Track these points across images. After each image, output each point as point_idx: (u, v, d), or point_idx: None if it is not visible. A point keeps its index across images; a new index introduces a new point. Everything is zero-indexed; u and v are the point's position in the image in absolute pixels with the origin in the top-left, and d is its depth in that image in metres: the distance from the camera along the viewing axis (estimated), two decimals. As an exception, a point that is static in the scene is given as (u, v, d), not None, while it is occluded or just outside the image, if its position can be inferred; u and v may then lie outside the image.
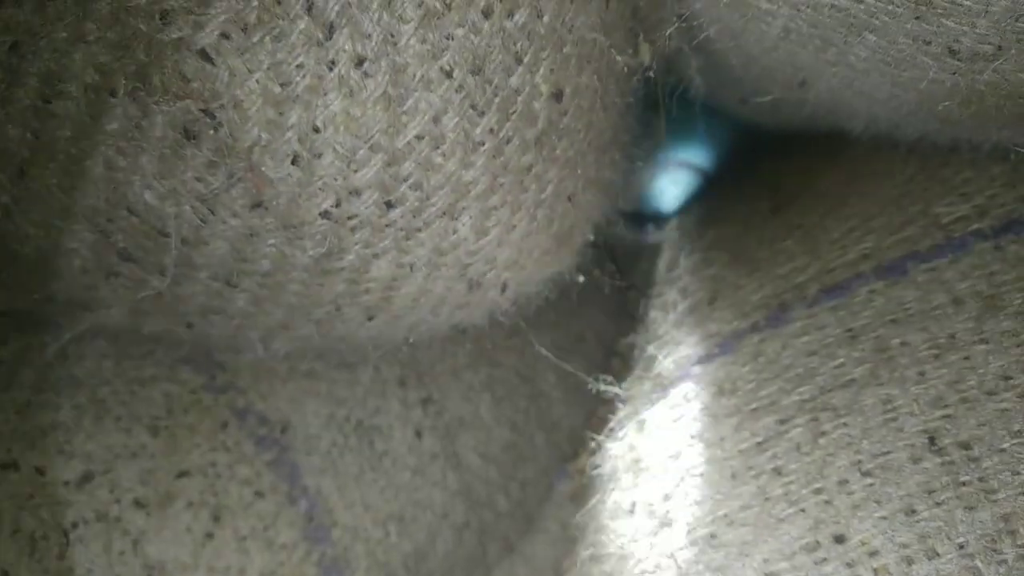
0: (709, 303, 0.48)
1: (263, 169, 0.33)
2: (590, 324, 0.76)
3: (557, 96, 0.36)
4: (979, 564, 0.30)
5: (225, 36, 0.31)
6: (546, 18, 0.34)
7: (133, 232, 0.36)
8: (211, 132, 0.32)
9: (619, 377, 0.59)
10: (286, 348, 0.44)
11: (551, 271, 0.48)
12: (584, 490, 0.50)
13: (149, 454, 0.44)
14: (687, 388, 0.43)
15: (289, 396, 0.49)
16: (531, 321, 0.69)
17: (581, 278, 0.57)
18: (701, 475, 0.37)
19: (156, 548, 0.42)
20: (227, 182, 0.34)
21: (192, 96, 0.32)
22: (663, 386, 0.45)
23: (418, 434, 0.54)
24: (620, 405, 0.49)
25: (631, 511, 0.40)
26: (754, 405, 0.38)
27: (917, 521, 0.31)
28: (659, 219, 0.83)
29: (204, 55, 0.31)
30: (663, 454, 0.41)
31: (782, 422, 0.37)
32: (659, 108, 0.46)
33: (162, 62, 0.32)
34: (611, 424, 0.49)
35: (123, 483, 0.43)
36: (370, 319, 0.42)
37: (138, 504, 0.42)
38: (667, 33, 0.39)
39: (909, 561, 0.31)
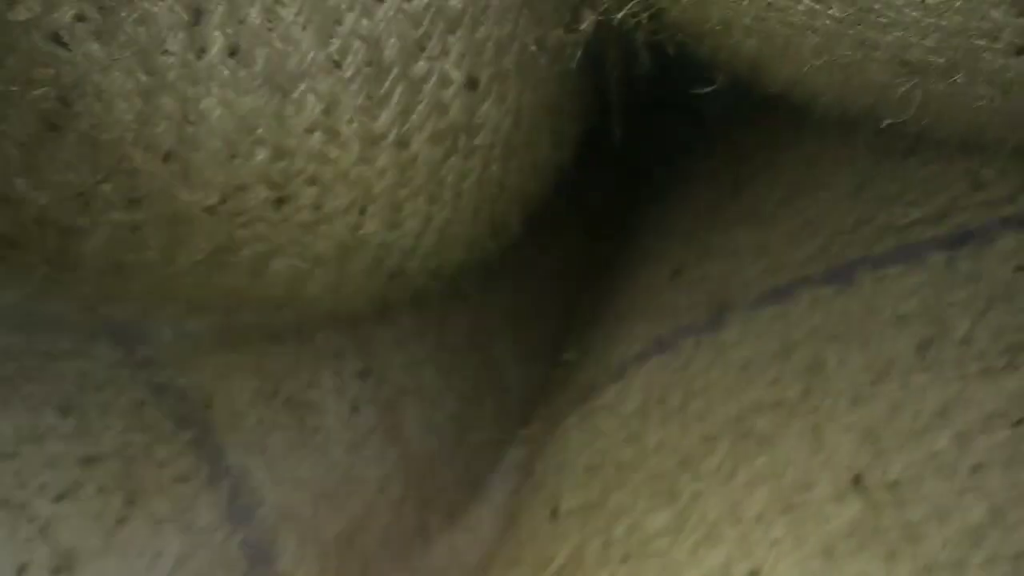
0: (654, 293, 0.46)
1: (135, 164, 0.30)
2: (553, 279, 0.73)
3: (471, 84, 0.33)
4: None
5: (80, 18, 0.28)
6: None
7: (10, 220, 0.33)
8: (73, 123, 0.29)
9: (577, 345, 0.57)
10: (199, 329, 0.42)
11: (484, 251, 0.45)
12: (533, 459, 0.48)
13: (58, 436, 0.42)
14: (619, 388, 0.41)
15: (213, 370, 0.47)
16: (485, 287, 0.66)
17: (537, 249, 0.54)
18: (622, 489, 0.36)
19: (65, 535, 0.41)
20: (98, 176, 0.31)
21: (48, 83, 0.28)
22: (599, 383, 0.43)
23: (354, 408, 0.52)
24: (558, 385, 0.47)
25: (552, 516, 0.38)
26: (680, 419, 0.36)
27: (836, 566, 0.29)
28: (642, 157, 0.79)
29: (57, 39, 0.28)
30: (587, 463, 0.39)
31: (706, 440, 0.34)
32: (608, 86, 0.42)
33: (13, 46, 0.28)
34: (548, 410, 0.47)
35: (30, 468, 0.41)
36: (280, 308, 0.39)
37: (45, 489, 0.41)
38: (604, 6, 0.35)
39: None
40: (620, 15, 0.37)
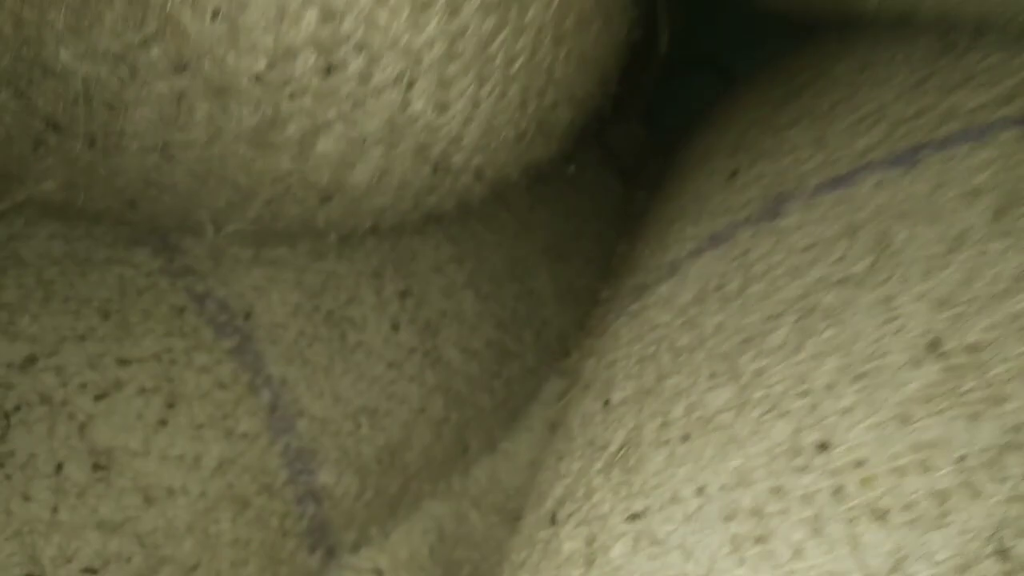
0: (704, 196, 0.44)
1: (182, 24, 0.29)
2: (590, 223, 0.72)
3: (526, -56, 0.32)
4: (980, 479, 0.27)
5: None
6: None
7: (53, 96, 0.33)
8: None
9: (617, 274, 0.56)
10: (238, 229, 0.41)
11: (532, 156, 0.44)
12: (568, 389, 0.47)
13: (99, 337, 0.42)
14: (673, 284, 0.39)
15: (253, 283, 0.47)
16: (524, 217, 0.65)
17: (572, 168, 0.53)
18: (679, 373, 0.34)
19: (104, 433, 0.40)
20: (144, 38, 0.30)
21: (95, -67, 0.28)
22: (648, 282, 0.41)
23: (395, 327, 0.51)
24: (606, 305, 0.46)
25: (604, 410, 0.37)
26: (739, 302, 0.35)
27: (912, 431, 0.28)
28: (671, 119, 0.78)
29: None
30: (641, 351, 0.37)
31: (768, 320, 0.33)
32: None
33: None
34: (594, 321, 0.46)
35: (70, 367, 0.40)
36: (326, 200, 0.39)
37: (85, 388, 0.40)
38: None
39: (901, 473, 0.28)
40: None
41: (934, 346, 0.29)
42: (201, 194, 0.37)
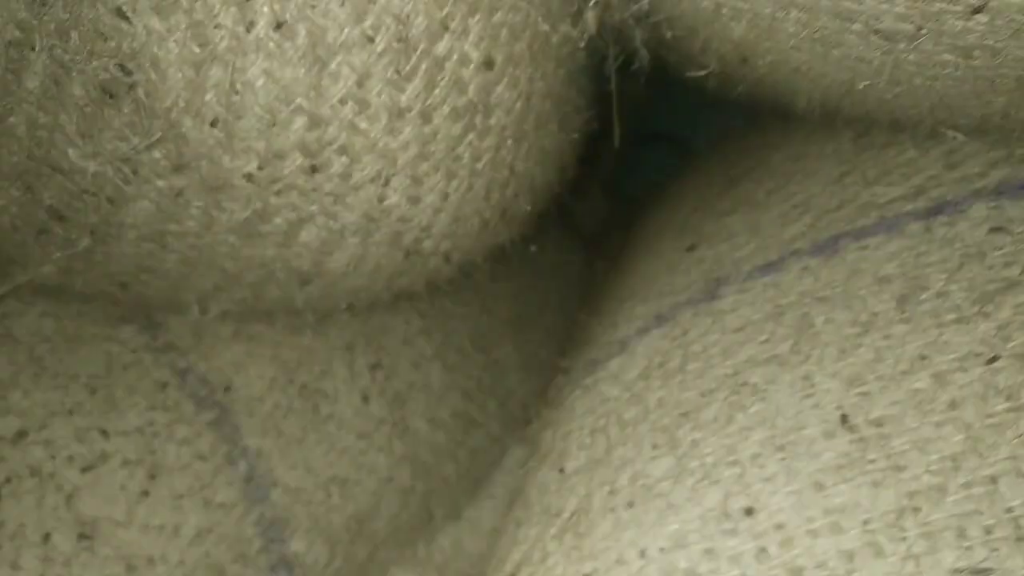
0: (652, 276, 0.49)
1: (183, 130, 0.33)
2: (553, 295, 0.76)
3: (488, 64, 0.36)
4: (881, 540, 0.30)
5: (143, -6, 0.31)
6: (475, -17, 0.34)
7: (59, 190, 0.36)
8: (130, 91, 0.32)
9: (576, 344, 0.59)
10: (223, 309, 0.44)
11: (496, 240, 0.48)
12: (540, 432, 0.50)
13: (86, 412, 0.44)
14: (622, 360, 0.43)
15: (232, 358, 0.49)
16: (490, 290, 0.69)
17: (534, 248, 0.57)
18: (625, 445, 0.38)
19: (89, 504, 0.42)
20: (148, 142, 0.33)
21: (109, 54, 0.31)
22: (600, 359, 0.45)
23: (365, 399, 0.54)
24: (563, 377, 0.49)
25: (560, 479, 0.41)
26: (680, 379, 0.39)
27: (825, 496, 0.32)
28: (630, 191, 0.83)
29: (120, 13, 0.31)
30: (593, 424, 0.41)
31: (704, 395, 0.37)
32: (610, 79, 0.46)
33: (80, 20, 0.31)
34: (552, 394, 0.49)
35: (58, 440, 0.43)
36: (305, 284, 0.42)
37: (72, 461, 0.43)
38: (604, 1, 0.38)
39: (814, 535, 0.31)
40: (615, 14, 0.40)
41: (845, 420, 0.33)
42: (190, 278, 0.41)
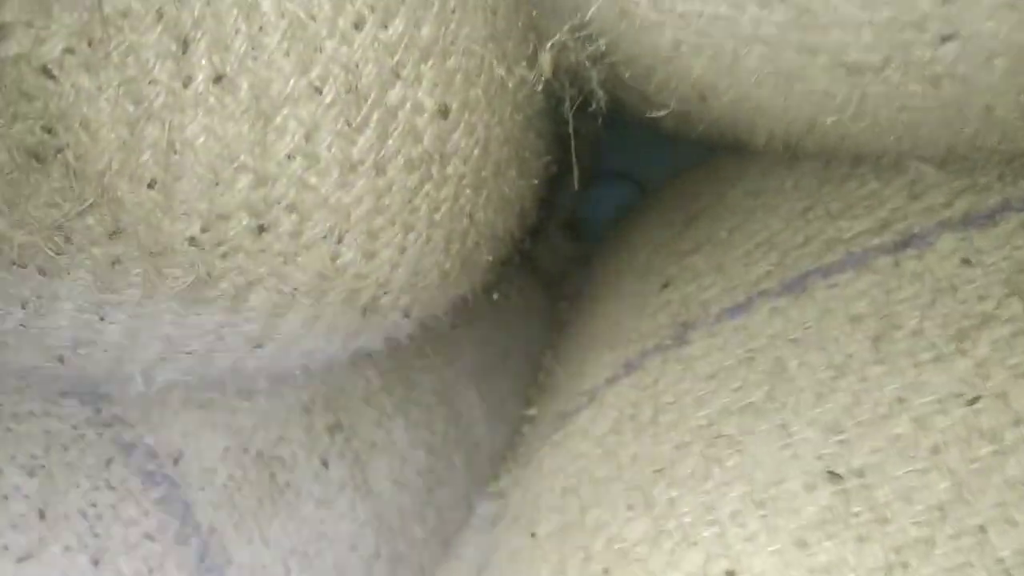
0: (619, 323, 0.47)
1: (118, 194, 0.31)
2: (517, 340, 0.75)
3: (443, 112, 0.35)
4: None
5: (69, 51, 0.29)
6: (425, 29, 0.33)
7: (-14, 262, 0.34)
8: (58, 155, 0.30)
9: (543, 392, 0.58)
10: (168, 380, 0.42)
11: (456, 292, 0.47)
12: (509, 490, 0.48)
13: (23, 496, 0.41)
14: (592, 412, 0.42)
15: (182, 428, 0.47)
16: (452, 339, 0.67)
17: (495, 296, 0.56)
18: (599, 506, 0.36)
19: (27, 598, 0.39)
20: (80, 208, 0.31)
21: (35, 116, 0.29)
22: (569, 411, 0.44)
23: (324, 463, 0.51)
24: (530, 429, 0.48)
25: (532, 544, 0.38)
26: (652, 431, 0.37)
27: (809, 555, 0.30)
28: (588, 230, 0.83)
29: (46, 72, 0.29)
30: (564, 483, 0.39)
31: (678, 449, 0.35)
32: (568, 121, 0.45)
33: (1, 79, 0.29)
34: (521, 449, 0.47)
35: (-9, 529, 0.40)
36: (257, 347, 0.40)
37: (7, 550, 0.39)
38: (560, 42, 0.38)
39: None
40: (571, 56, 0.40)
41: (824, 470, 0.31)
42: (133, 349, 0.38)
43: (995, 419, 0.30)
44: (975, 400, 0.31)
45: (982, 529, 0.29)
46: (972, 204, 0.38)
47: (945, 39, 0.27)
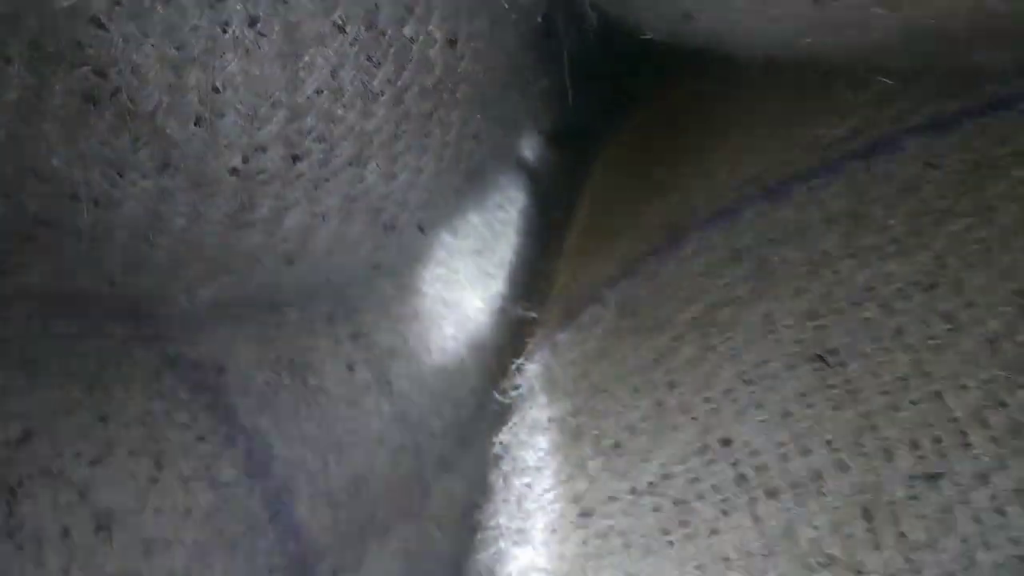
0: (615, 229, 0.51)
1: (167, 131, 0.34)
2: (515, 249, 0.79)
3: (452, 43, 0.38)
4: (844, 457, 0.34)
5: (117, 3, 0.32)
6: (435, -33, 0.35)
7: (45, 198, 0.37)
8: (111, 97, 0.33)
9: (542, 299, 0.62)
10: (211, 297, 0.46)
11: (466, 206, 0.50)
12: (509, 409, 0.53)
13: (86, 408, 0.45)
14: (594, 311, 0.46)
15: (220, 341, 0.51)
16: (455, 248, 0.71)
17: (501, 207, 0.60)
18: (606, 391, 0.41)
19: (103, 496, 0.44)
20: (133, 145, 0.34)
21: (88, 62, 0.32)
22: (573, 310, 0.48)
23: (350, 368, 0.56)
24: (537, 329, 0.52)
25: (546, 427, 0.44)
26: (651, 324, 0.42)
27: (792, 422, 0.35)
28: (581, 142, 0.85)
29: (97, 22, 0.32)
30: (573, 373, 0.44)
31: (675, 339, 0.40)
32: (561, 43, 0.47)
33: (56, 30, 0.32)
34: (530, 347, 0.52)
35: (63, 438, 0.44)
36: (290, 264, 0.44)
37: (79, 457, 0.44)
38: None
39: (785, 458, 0.35)
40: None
41: (804, 352, 0.36)
42: (178, 271, 0.42)
43: (950, 302, 0.35)
44: (933, 287, 0.36)
45: (938, 395, 0.34)
46: (934, 111, 0.41)
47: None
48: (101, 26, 0.32)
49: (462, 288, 0.69)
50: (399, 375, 0.59)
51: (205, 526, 0.47)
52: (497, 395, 0.65)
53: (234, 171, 0.36)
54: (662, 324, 0.41)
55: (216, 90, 0.33)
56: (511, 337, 0.69)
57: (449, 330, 0.66)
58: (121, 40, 0.32)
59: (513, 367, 0.53)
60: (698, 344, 0.39)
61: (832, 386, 0.35)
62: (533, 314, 0.59)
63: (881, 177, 0.41)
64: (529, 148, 0.60)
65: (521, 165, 0.66)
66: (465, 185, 0.47)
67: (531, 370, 0.49)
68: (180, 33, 0.32)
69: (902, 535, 0.32)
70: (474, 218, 0.60)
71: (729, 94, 0.54)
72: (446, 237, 0.65)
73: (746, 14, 0.37)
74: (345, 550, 0.54)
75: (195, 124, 0.34)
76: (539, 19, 0.44)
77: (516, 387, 0.50)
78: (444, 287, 0.67)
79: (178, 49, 0.32)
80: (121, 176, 0.36)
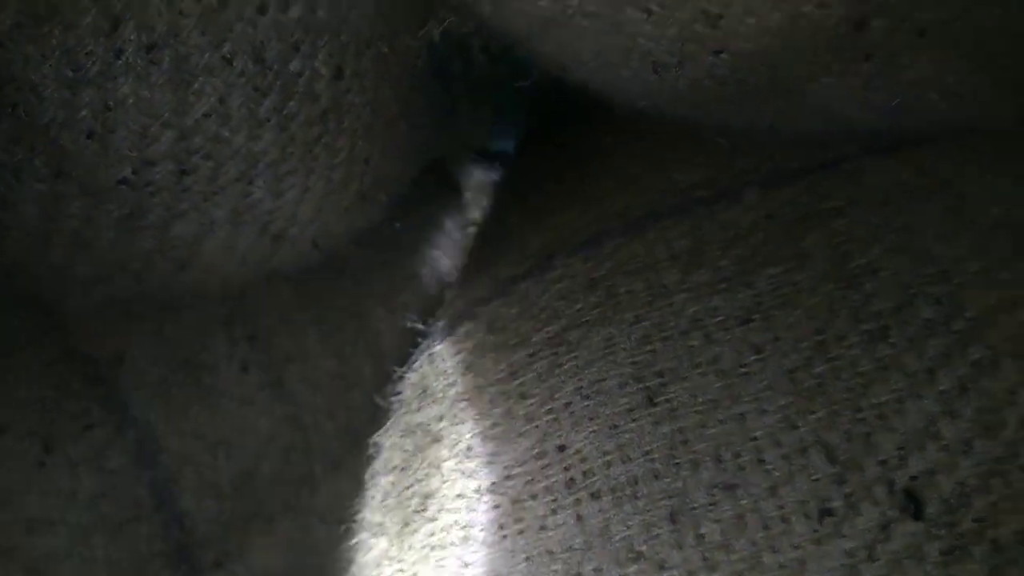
0: (499, 249, 0.56)
1: (61, 142, 0.37)
2: (424, 261, 0.83)
3: (337, 77, 0.41)
4: (659, 467, 0.38)
5: (18, 26, 0.35)
6: (320, 12, 0.39)
7: (-56, 195, 0.40)
8: (10, 111, 0.36)
9: (438, 308, 0.66)
10: (107, 294, 0.49)
11: (357, 225, 0.54)
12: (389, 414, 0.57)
13: (-18, 391, 0.48)
14: (469, 327, 0.50)
15: (116, 337, 0.54)
16: (362, 262, 0.75)
17: (397, 226, 0.64)
18: (467, 400, 0.45)
19: (-10, 475, 0.46)
20: (28, 153, 0.37)
21: (-11, 78, 0.35)
22: (452, 324, 0.52)
23: (244, 368, 0.59)
24: (421, 340, 0.56)
25: (414, 431, 0.47)
26: (514, 341, 0.46)
27: (618, 434, 0.40)
28: (486, 165, 0.90)
29: (-2, 42, 0.35)
30: (443, 383, 0.48)
31: (530, 356, 0.44)
32: (452, 80, 0.52)
33: (-42, 46, 0.35)
34: (412, 356, 0.56)
35: (-45, 418, 0.47)
36: (181, 269, 0.47)
37: (-27, 435, 0.47)
38: (443, 16, 0.44)
39: (608, 465, 0.39)
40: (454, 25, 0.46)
41: (636, 374, 0.41)
42: (72, 268, 0.45)
43: (761, 336, 0.40)
44: (749, 321, 0.41)
45: (742, 416, 0.39)
46: (773, 168, 0.47)
47: (717, 52, 0.35)
48: (3, 46, 0.35)
49: (366, 298, 0.73)
50: (294, 378, 0.62)
51: (90, 510, 0.50)
52: (380, 401, 0.69)
53: (124, 181, 0.39)
54: (521, 342, 0.45)
55: (108, 108, 0.37)
56: (407, 347, 0.73)
57: (350, 337, 0.69)
58: (22, 59, 0.35)
59: (396, 375, 0.57)
60: (549, 361, 0.43)
61: (655, 404, 0.40)
62: (420, 325, 0.63)
63: (721, 222, 0.46)
64: (439, 167, 0.64)
65: (431, 182, 0.70)
66: (359, 204, 0.51)
67: (410, 378, 0.53)
68: (76, 56, 0.35)
69: (701, 536, 0.36)
70: (382, 231, 0.63)
71: (608, 133, 0.59)
72: (352, 248, 0.68)
73: (603, 76, 0.42)
74: (229, 540, 0.57)
75: (87, 137, 0.37)
76: (428, 61, 0.48)
77: (397, 393, 0.54)
78: (347, 296, 0.71)
79: (74, 71, 0.36)
80: (18, 180, 0.38)
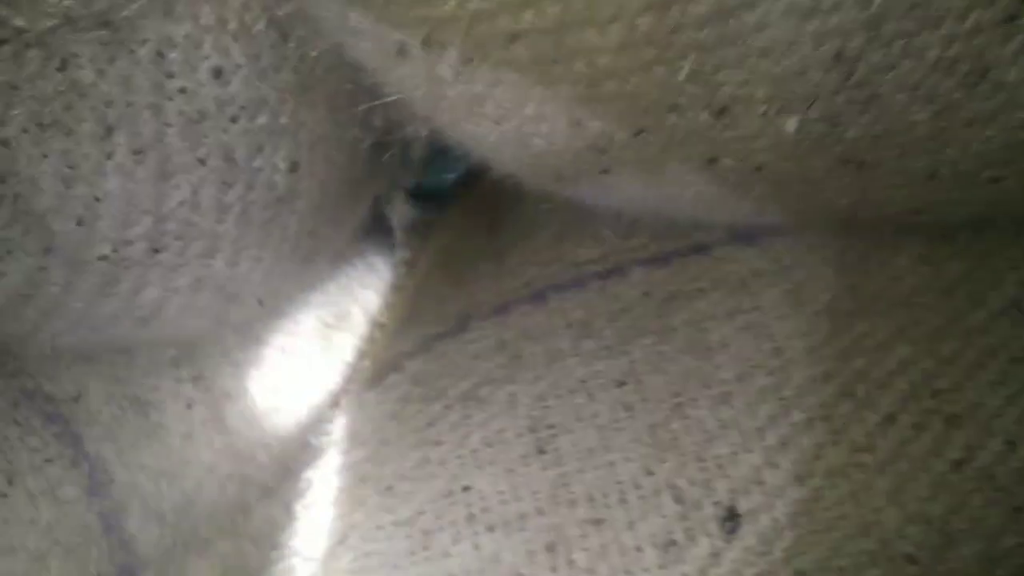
0: (422, 304, 0.64)
1: (52, 226, 0.44)
2: (358, 300, 0.90)
3: (293, 169, 0.49)
4: (543, 505, 0.47)
5: (24, 131, 0.41)
6: (283, 119, 0.47)
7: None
8: (11, 198, 0.43)
9: (363, 360, 0.74)
10: (72, 344, 0.55)
11: (307, 283, 0.62)
12: (320, 451, 0.64)
13: (-51, 429, 0.53)
14: (395, 378, 0.58)
15: (73, 378, 0.60)
16: (299, 302, 0.82)
17: (350, 266, 0.71)
18: (390, 444, 0.53)
19: (-44, 507, 0.52)
20: (22, 233, 0.44)
21: (-6, 172, 0.42)
22: (380, 374, 0.60)
23: (189, 406, 0.66)
24: (352, 385, 0.64)
25: (342, 470, 0.55)
26: (433, 394, 0.54)
27: (513, 476, 0.48)
28: (421, 201, 0.98)
29: (5, 143, 0.41)
30: (371, 428, 0.56)
31: (446, 408, 0.53)
32: (392, 160, 0.60)
33: (-32, 144, 0.41)
34: (343, 400, 0.63)
35: (-74, 455, 0.52)
36: (144, 325, 0.53)
37: (-61, 471, 0.52)
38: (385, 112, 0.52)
39: (503, 503, 0.47)
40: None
41: (531, 426, 0.49)
42: (47, 324, 0.51)
43: (632, 396, 0.49)
44: (623, 384, 0.50)
45: (612, 464, 0.48)
46: (656, 250, 0.56)
47: (604, 172, 0.45)
48: (7, 145, 0.41)
49: (302, 338, 0.80)
50: (233, 414, 0.69)
51: (46, 536, 0.55)
52: (312, 439, 0.76)
53: (103, 257, 0.46)
54: (439, 395, 0.54)
55: (97, 200, 0.44)
56: (339, 386, 0.80)
57: (285, 376, 0.76)
58: (24, 158, 0.42)
59: (329, 414, 0.65)
60: (461, 413, 0.52)
61: (544, 452, 0.49)
62: (353, 364, 0.71)
63: (610, 296, 0.55)
64: (373, 205, 0.72)
65: (377, 221, 0.77)
66: (302, 268, 0.59)
67: (341, 420, 0.60)
68: (73, 156, 0.42)
69: (572, 562, 0.45)
70: (321, 277, 0.71)
71: (523, 200, 0.68)
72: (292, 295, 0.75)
73: (509, 166, 0.50)
74: (169, 562, 0.63)
75: (76, 224, 0.44)
76: (370, 148, 0.57)
77: (329, 432, 0.62)
78: (285, 337, 0.78)
79: (69, 168, 0.42)
80: (8, 253, 0.45)
